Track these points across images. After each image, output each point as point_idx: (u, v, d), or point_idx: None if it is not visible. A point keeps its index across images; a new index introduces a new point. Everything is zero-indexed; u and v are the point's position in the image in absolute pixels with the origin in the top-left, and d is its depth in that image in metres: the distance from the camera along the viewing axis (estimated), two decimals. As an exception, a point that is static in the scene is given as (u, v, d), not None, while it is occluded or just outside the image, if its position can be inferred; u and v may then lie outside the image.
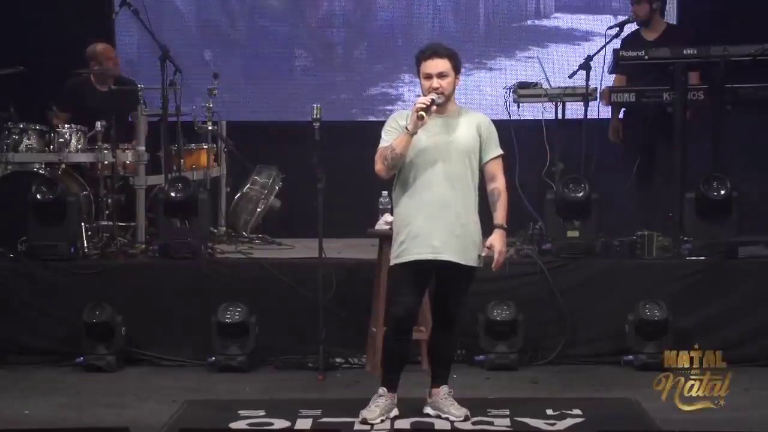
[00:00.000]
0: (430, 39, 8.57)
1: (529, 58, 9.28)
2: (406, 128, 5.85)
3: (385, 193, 6.95)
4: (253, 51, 9.60)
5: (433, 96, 5.86)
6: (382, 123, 6.08)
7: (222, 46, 9.67)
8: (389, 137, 5.95)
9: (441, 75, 5.91)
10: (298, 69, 9.62)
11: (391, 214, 6.21)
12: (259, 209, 8.66)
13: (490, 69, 9.44)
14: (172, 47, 8.09)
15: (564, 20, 9.31)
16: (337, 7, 9.55)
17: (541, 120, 8.06)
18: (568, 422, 6.04)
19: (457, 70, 5.98)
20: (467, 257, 5.93)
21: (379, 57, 9.56)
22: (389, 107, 9.25)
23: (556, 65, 8.98)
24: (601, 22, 8.69)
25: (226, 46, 9.66)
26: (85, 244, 7.74)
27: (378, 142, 6.00)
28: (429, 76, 5.92)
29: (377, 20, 9.52)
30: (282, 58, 9.62)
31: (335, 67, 9.64)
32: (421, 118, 5.80)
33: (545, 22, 9.42)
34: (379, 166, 5.95)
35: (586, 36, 9.35)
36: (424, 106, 5.81)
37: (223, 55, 9.61)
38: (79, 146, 8.06)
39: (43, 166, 7.97)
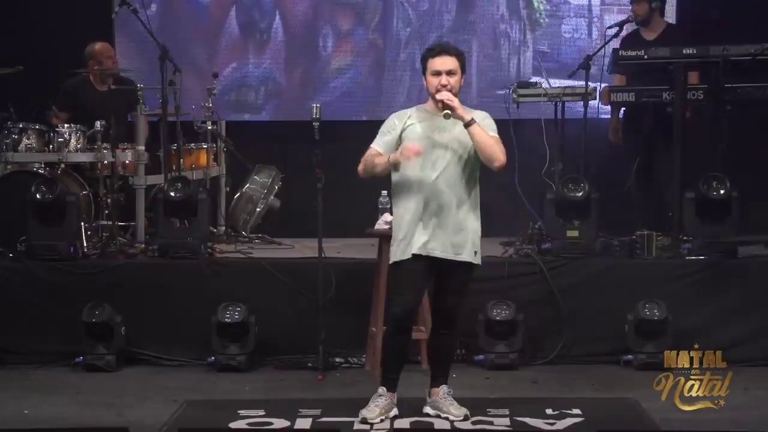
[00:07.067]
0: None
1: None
2: (389, 158, 5.84)
3: (384, 192, 6.94)
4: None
5: (448, 111, 5.78)
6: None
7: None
8: (381, 140, 5.95)
9: (450, 72, 5.88)
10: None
11: (391, 214, 6.21)
12: (258, 209, 8.64)
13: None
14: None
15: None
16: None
17: (540, 120, 8.07)
18: (568, 422, 6.04)
19: (464, 69, 5.96)
20: (466, 255, 5.92)
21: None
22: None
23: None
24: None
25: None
26: (85, 244, 7.74)
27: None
28: (438, 73, 5.88)
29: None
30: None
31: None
32: (408, 158, 5.76)
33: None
34: (361, 167, 5.99)
35: None
36: (418, 151, 5.77)
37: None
38: (79, 146, 8.05)
39: (43, 165, 7.97)
